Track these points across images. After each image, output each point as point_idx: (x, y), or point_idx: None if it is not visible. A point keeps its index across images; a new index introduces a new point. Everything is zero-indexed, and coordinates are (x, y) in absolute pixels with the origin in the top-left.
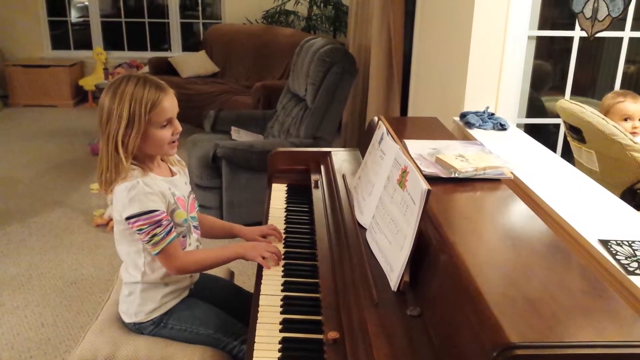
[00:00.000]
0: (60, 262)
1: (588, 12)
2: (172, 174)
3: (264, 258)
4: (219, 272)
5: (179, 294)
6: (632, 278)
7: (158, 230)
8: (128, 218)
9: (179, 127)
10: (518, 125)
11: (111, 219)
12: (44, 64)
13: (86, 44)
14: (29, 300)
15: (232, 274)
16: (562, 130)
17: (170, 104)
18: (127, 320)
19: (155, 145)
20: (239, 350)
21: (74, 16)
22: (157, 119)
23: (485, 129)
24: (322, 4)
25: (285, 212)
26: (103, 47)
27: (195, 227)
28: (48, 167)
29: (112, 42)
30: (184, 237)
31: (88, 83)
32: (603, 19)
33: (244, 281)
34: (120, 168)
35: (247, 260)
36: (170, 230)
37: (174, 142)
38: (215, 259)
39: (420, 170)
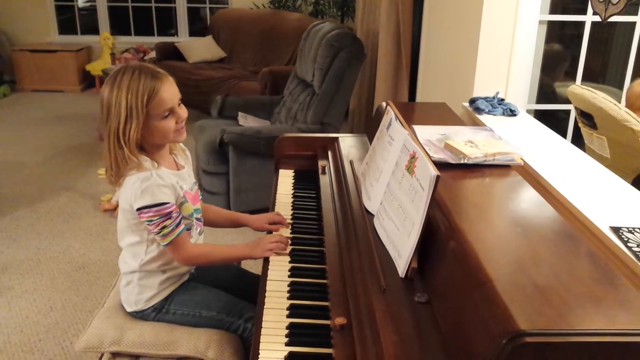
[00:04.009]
0: (68, 247)
1: None
2: (179, 167)
3: (270, 250)
4: None
5: (178, 279)
6: None
7: (168, 222)
8: (139, 209)
9: (183, 114)
10: (528, 111)
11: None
12: (51, 49)
13: (93, 29)
14: (37, 285)
15: None
16: (573, 116)
17: (168, 93)
18: (128, 309)
19: (160, 137)
20: (244, 329)
21: (80, 1)
22: (157, 110)
23: (494, 115)
24: None
25: (292, 197)
26: (110, 32)
27: (198, 219)
28: (55, 152)
29: (119, 27)
30: (188, 229)
31: (95, 68)
32: (617, 2)
33: (251, 266)
34: (126, 161)
35: (255, 259)
36: (179, 223)
37: (181, 129)
38: (222, 255)
39: (429, 156)
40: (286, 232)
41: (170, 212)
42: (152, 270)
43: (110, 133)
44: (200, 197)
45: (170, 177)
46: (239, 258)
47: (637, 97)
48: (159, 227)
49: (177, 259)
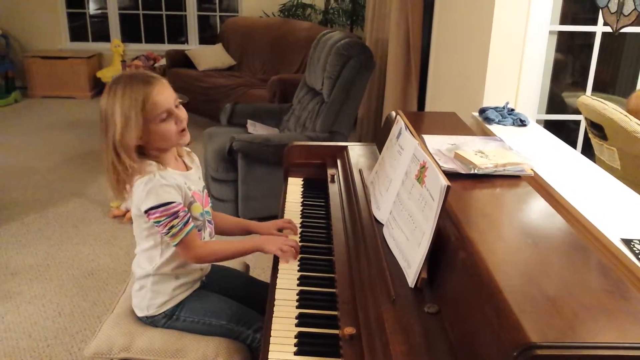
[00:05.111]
0: (77, 253)
1: (613, 7)
2: (187, 168)
3: (282, 251)
4: (233, 264)
5: (190, 286)
6: None
7: (175, 221)
8: (146, 211)
9: (181, 114)
10: (538, 121)
11: (127, 211)
12: (62, 55)
13: (104, 36)
14: (46, 290)
15: (247, 267)
16: (583, 126)
17: (162, 96)
18: (139, 314)
19: (163, 140)
20: (253, 339)
21: (92, 8)
22: (153, 114)
23: (504, 125)
24: None
25: (301, 206)
26: (121, 40)
27: (209, 221)
28: (66, 158)
29: (130, 34)
30: (199, 230)
31: (106, 75)
32: (629, 14)
33: (259, 274)
34: (128, 172)
35: (265, 253)
36: (187, 221)
37: (182, 130)
38: (234, 250)
39: (440, 166)
40: (295, 239)
41: (177, 212)
42: (166, 273)
43: (109, 146)
44: (210, 204)
45: (176, 178)
46: (250, 250)
47: (636, 111)
48: (167, 227)
49: (188, 259)
